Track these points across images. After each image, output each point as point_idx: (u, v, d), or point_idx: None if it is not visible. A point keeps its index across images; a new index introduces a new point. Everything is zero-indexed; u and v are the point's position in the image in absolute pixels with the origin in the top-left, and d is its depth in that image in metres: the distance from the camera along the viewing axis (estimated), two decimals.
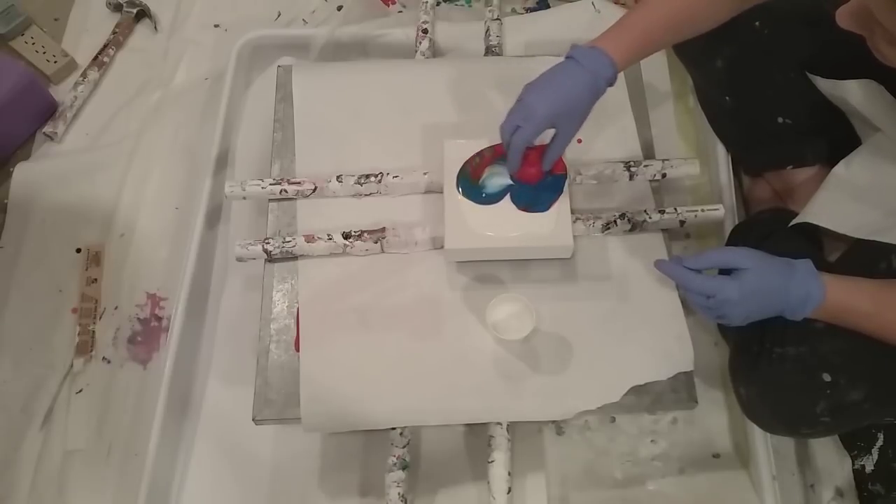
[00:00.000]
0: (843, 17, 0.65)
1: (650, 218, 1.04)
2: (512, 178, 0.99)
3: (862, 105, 0.91)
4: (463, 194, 1.01)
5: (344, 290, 1.03)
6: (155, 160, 1.33)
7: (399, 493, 0.94)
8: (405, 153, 1.12)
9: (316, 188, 1.08)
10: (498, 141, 0.95)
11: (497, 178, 1.00)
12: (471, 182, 1.01)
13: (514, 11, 1.45)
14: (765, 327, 0.83)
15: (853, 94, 0.91)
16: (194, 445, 1.07)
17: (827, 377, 0.80)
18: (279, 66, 1.24)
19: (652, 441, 1.06)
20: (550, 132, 0.91)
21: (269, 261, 1.06)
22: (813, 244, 0.97)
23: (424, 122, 1.15)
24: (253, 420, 0.97)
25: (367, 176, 1.08)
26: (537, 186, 0.99)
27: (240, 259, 1.06)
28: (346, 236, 1.03)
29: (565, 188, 1.00)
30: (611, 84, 0.87)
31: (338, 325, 1.00)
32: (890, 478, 1.00)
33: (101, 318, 1.20)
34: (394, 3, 1.48)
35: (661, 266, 0.85)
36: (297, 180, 1.09)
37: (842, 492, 1.02)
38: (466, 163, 1.03)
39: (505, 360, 0.97)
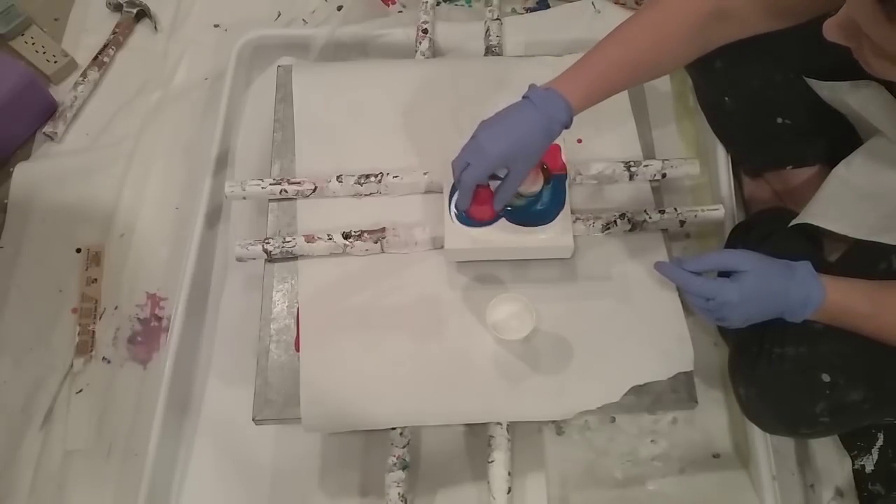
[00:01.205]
0: (830, 30, 0.65)
1: (650, 218, 1.04)
2: (462, 214, 0.98)
3: (862, 106, 0.91)
4: None
5: (344, 290, 1.03)
6: (155, 160, 1.33)
7: (399, 493, 0.94)
8: (405, 153, 1.12)
9: (316, 188, 1.08)
10: None
11: None
12: None
13: (514, 11, 1.45)
14: (764, 328, 0.83)
15: (853, 95, 0.91)
16: (194, 445, 1.07)
17: (826, 377, 0.80)
18: (279, 66, 1.24)
19: (652, 441, 1.06)
20: None
21: (269, 261, 1.06)
22: (813, 244, 0.97)
23: (424, 122, 1.15)
24: (253, 420, 0.97)
25: (367, 176, 1.08)
26: (536, 202, 0.99)
27: (240, 259, 1.06)
28: (346, 236, 1.03)
29: (566, 189, 1.00)
30: (566, 127, 0.86)
31: (338, 325, 1.00)
32: (890, 478, 1.00)
33: (101, 318, 1.20)
34: (394, 3, 1.48)
35: (660, 268, 0.85)
36: (297, 180, 1.09)
37: (842, 492, 1.02)
38: None
39: (505, 360, 0.97)
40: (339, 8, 1.46)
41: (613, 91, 0.88)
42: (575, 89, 0.85)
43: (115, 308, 1.20)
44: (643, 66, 0.87)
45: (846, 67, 0.90)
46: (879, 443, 1.02)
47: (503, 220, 0.99)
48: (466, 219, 0.98)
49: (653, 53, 0.85)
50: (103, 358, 1.16)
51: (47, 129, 1.36)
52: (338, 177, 1.08)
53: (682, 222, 1.05)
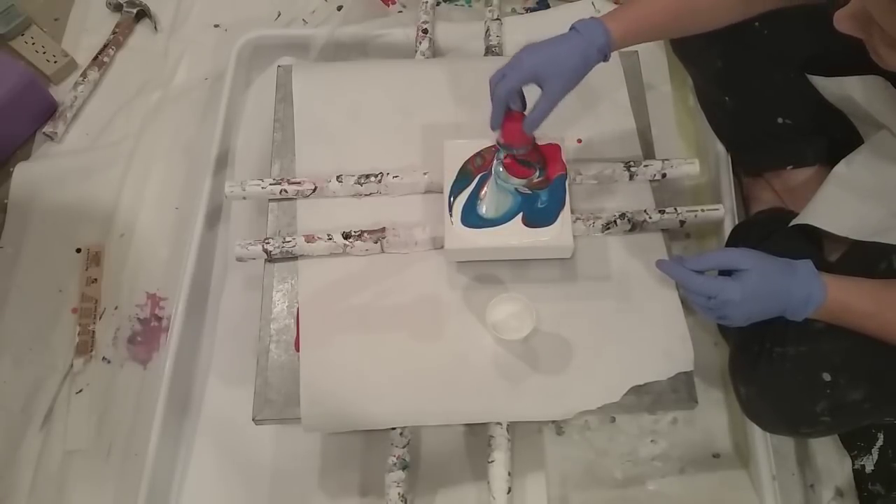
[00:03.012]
0: (842, 20, 0.65)
1: (650, 218, 1.04)
2: (499, 142, 0.95)
3: (866, 101, 0.90)
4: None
5: (344, 290, 1.03)
6: (155, 160, 1.33)
7: (399, 493, 0.94)
8: (405, 153, 1.12)
9: (316, 188, 1.08)
10: None
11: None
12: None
13: (514, 11, 1.45)
14: (765, 327, 0.83)
15: (857, 90, 0.91)
16: (194, 445, 1.07)
17: (827, 377, 0.80)
18: (279, 66, 1.24)
19: (652, 441, 1.06)
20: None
21: (269, 261, 1.06)
22: (813, 244, 0.97)
23: (424, 122, 1.15)
24: (253, 420, 0.97)
25: (367, 176, 1.08)
26: (538, 201, 0.99)
27: (240, 259, 1.06)
28: (346, 236, 1.03)
29: (566, 189, 1.00)
30: (603, 54, 0.87)
31: (338, 325, 1.00)
32: (890, 478, 1.00)
33: (101, 318, 1.20)
34: (394, 3, 1.48)
35: (662, 266, 0.85)
36: (297, 180, 1.09)
37: (842, 492, 1.02)
38: (467, 162, 1.02)
39: (505, 360, 0.97)
40: (339, 8, 1.46)
41: (654, 33, 0.91)
42: (618, 22, 0.87)
43: (115, 308, 1.20)
44: (685, 14, 0.88)
45: (846, 67, 0.90)
46: (879, 443, 1.02)
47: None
48: (473, 218, 0.98)
49: (695, 3, 0.87)
50: (103, 358, 1.16)
51: (47, 129, 1.36)
52: (338, 177, 1.08)
53: (682, 222, 1.05)
